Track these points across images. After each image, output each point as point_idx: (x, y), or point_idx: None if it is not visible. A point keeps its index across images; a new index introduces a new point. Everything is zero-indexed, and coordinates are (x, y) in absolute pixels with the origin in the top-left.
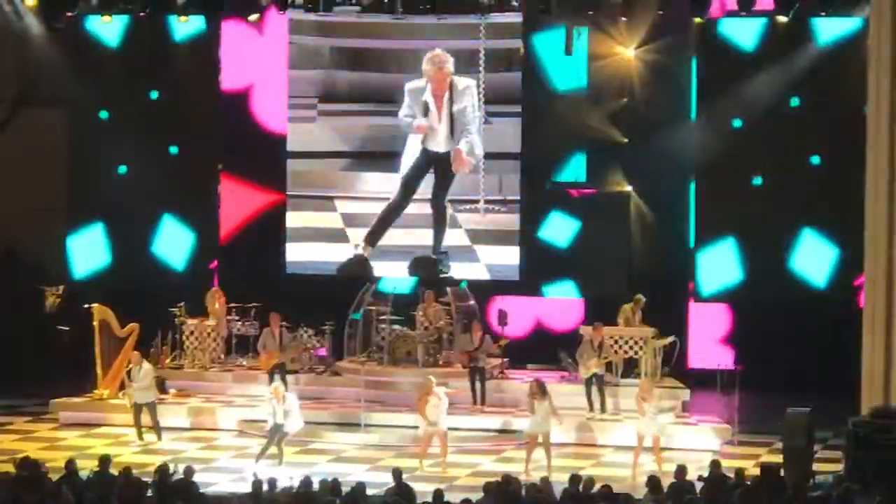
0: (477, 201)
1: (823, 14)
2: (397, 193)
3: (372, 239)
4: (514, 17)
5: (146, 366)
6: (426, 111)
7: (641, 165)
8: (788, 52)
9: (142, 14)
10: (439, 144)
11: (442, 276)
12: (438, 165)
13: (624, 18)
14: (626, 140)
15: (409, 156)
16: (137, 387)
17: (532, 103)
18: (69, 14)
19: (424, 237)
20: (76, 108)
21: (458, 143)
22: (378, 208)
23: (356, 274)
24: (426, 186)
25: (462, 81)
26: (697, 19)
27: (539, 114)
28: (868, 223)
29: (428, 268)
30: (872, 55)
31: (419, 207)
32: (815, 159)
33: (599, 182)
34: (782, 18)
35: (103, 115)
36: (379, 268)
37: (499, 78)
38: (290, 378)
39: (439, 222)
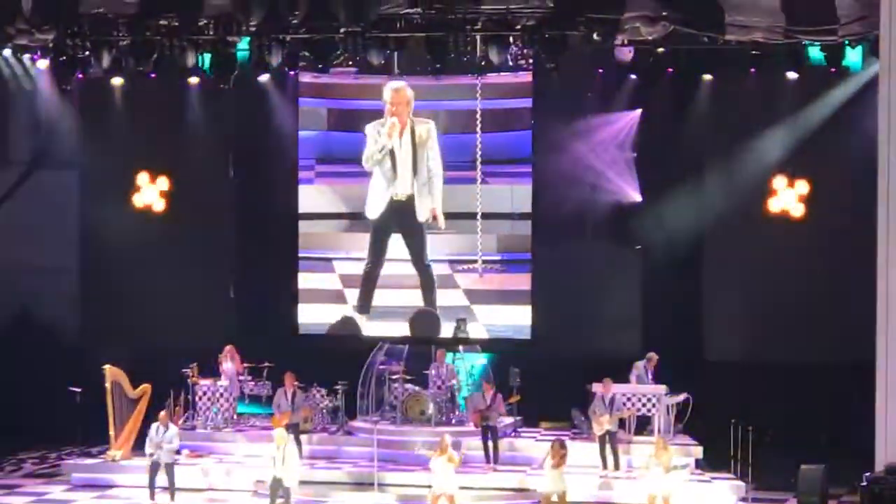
0: (475, 262)
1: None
2: (368, 255)
3: (361, 308)
4: (510, 78)
5: (173, 427)
6: (386, 151)
7: (653, 223)
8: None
9: (152, 75)
10: (402, 185)
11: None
12: (403, 220)
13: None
14: (639, 198)
15: (374, 201)
16: (166, 448)
17: (542, 163)
18: (80, 76)
19: (416, 297)
20: (87, 170)
21: (421, 188)
22: None
23: (347, 334)
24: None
25: (422, 122)
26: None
27: (548, 173)
28: (880, 272)
29: (429, 323)
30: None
31: (406, 267)
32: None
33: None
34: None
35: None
36: (374, 328)
37: (494, 138)
38: (303, 437)
39: (428, 285)
